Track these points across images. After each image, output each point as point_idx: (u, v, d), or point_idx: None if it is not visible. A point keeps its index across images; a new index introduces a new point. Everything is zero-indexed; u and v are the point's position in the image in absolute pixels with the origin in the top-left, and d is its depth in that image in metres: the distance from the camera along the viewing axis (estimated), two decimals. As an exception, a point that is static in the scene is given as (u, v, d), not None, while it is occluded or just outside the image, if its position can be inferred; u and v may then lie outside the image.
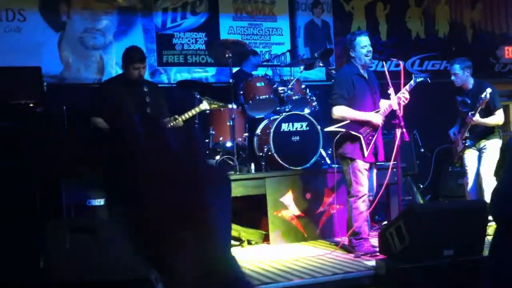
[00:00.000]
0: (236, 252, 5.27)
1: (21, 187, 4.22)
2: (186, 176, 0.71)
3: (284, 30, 7.64)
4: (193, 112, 5.26)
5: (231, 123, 5.82)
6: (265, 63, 7.19)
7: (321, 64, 6.72)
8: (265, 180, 5.69)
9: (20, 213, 4.10)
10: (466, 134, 5.94)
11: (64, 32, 6.59)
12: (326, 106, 5.31)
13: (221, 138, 5.91)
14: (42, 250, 3.70)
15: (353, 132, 4.90)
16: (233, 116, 5.81)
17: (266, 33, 7.53)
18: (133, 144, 0.75)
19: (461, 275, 4.02)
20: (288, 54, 7.46)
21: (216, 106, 5.42)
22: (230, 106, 5.84)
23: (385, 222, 5.77)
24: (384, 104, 5.04)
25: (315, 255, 5.06)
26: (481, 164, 5.89)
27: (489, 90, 5.61)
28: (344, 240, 5.23)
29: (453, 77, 5.95)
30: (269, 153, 5.79)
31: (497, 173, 5.76)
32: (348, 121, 4.93)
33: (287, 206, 5.73)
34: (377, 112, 5.01)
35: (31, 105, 4.98)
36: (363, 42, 5.02)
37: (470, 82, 5.94)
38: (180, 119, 5.09)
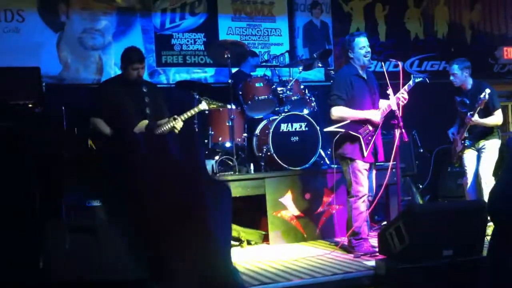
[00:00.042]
0: (236, 252, 5.27)
1: (21, 187, 4.22)
2: (185, 177, 0.71)
3: (283, 30, 7.65)
4: (192, 112, 5.26)
5: (230, 124, 5.82)
6: (264, 63, 7.19)
7: (320, 65, 6.73)
8: (265, 180, 5.70)
9: (20, 213, 4.09)
10: (465, 134, 5.95)
11: (63, 32, 6.59)
12: (325, 107, 5.31)
13: (220, 139, 5.91)
14: (42, 250, 3.69)
15: (352, 133, 4.90)
16: (232, 116, 5.81)
17: (265, 33, 7.54)
18: (134, 148, 0.75)
19: (461, 275, 4.03)
20: (287, 54, 7.46)
21: (215, 106, 5.43)
22: (229, 106, 5.84)
23: (385, 223, 5.77)
24: (383, 104, 5.05)
25: (314, 255, 5.06)
26: (480, 164, 5.90)
27: (488, 90, 5.62)
28: (344, 240, 5.23)
29: (452, 78, 5.96)
30: (268, 154, 5.79)
31: (496, 173, 5.78)
32: (348, 122, 4.93)
33: (286, 206, 5.73)
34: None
35: (30, 105, 4.97)
36: (362, 43, 5.03)
37: (469, 83, 5.95)
38: (179, 118, 5.09)
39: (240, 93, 6.05)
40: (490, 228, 4.53)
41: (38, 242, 3.76)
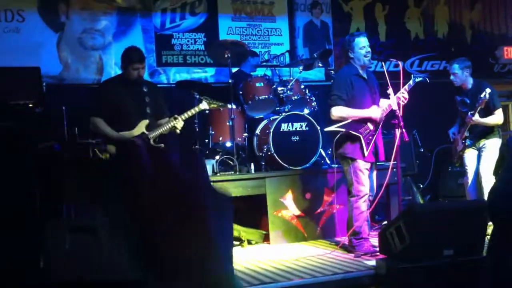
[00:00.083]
0: (236, 251, 5.27)
1: (21, 187, 4.22)
2: (185, 177, 0.71)
3: (283, 30, 7.65)
4: (192, 111, 5.25)
5: (231, 123, 5.82)
6: (264, 63, 7.20)
7: (320, 65, 6.73)
8: (265, 180, 5.70)
9: (20, 213, 4.09)
10: (466, 134, 5.95)
11: (63, 32, 6.60)
12: (325, 106, 5.31)
13: (220, 138, 5.91)
14: (42, 250, 3.69)
15: (353, 132, 4.90)
16: (233, 116, 5.81)
17: (265, 33, 7.54)
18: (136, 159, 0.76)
19: (461, 275, 4.02)
20: (287, 54, 7.46)
21: (215, 106, 5.42)
22: (229, 106, 5.84)
23: (385, 222, 5.78)
24: (383, 103, 5.04)
25: (315, 254, 5.05)
26: (480, 163, 5.89)
27: (488, 90, 5.62)
28: (344, 240, 5.23)
29: (452, 77, 5.96)
30: (269, 153, 5.79)
31: (496, 172, 5.77)
32: (348, 121, 4.93)
33: (287, 206, 5.73)
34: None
35: (30, 105, 4.97)
36: (362, 43, 5.02)
37: (470, 82, 5.94)
38: (180, 118, 5.09)
39: (241, 93, 6.05)
40: (490, 227, 4.54)
41: (39, 242, 3.77)
